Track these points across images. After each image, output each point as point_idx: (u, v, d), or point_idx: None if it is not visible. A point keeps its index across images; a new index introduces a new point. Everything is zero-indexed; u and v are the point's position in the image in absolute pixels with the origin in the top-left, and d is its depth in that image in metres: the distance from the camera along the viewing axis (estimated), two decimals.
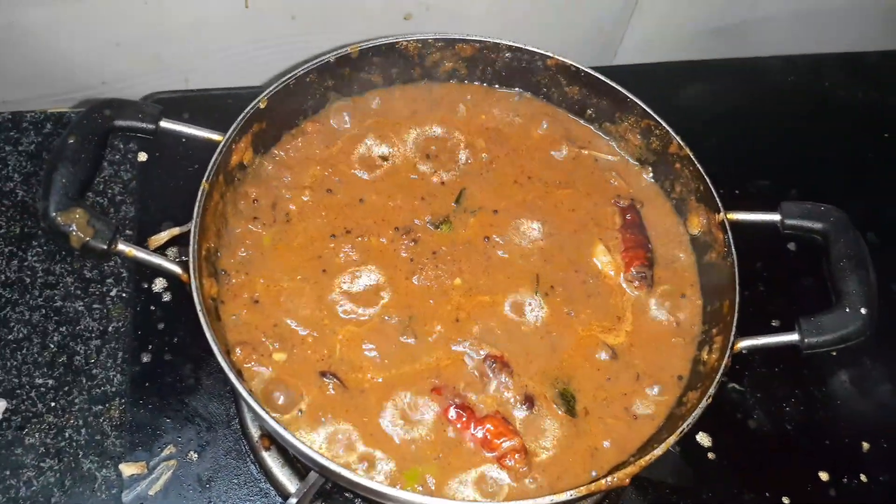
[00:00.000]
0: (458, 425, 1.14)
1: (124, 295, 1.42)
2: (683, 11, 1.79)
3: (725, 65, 1.88)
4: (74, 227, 1.13)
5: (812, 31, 1.89)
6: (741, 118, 1.78)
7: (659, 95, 1.38)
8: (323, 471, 1.06)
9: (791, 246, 1.57)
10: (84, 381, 1.34)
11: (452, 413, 1.15)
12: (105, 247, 1.14)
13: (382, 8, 1.61)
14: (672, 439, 1.06)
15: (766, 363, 1.45)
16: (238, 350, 1.15)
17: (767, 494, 1.34)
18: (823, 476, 1.37)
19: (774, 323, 1.46)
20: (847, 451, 1.40)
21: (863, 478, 1.37)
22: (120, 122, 1.21)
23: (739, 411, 1.41)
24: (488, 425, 1.14)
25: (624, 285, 1.28)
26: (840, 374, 1.47)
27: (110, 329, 1.39)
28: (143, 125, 1.22)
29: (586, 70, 1.38)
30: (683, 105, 1.36)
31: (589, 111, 1.43)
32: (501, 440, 1.13)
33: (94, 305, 1.41)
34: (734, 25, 1.83)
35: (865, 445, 1.40)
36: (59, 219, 1.13)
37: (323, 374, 1.16)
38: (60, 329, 1.38)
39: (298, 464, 1.27)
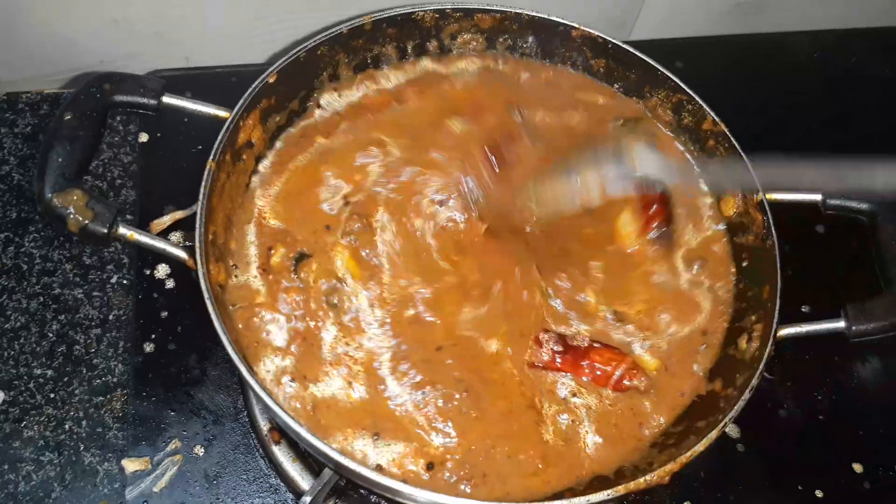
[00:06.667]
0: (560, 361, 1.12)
1: (125, 282, 1.38)
2: None
3: (746, 40, 1.83)
4: (72, 209, 1.08)
5: (836, 4, 1.84)
6: (764, 96, 1.74)
7: (677, 72, 1.34)
8: (339, 468, 1.01)
9: (820, 228, 1.52)
10: (84, 371, 1.31)
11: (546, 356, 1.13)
12: (105, 231, 1.09)
13: None
14: (713, 434, 1.02)
15: (797, 350, 1.40)
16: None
17: (800, 487, 1.30)
18: (857, 468, 1.33)
19: (804, 308, 1.41)
20: (882, 442, 1.36)
21: None
22: (120, 98, 1.16)
23: (769, 401, 1.36)
24: (595, 357, 1.12)
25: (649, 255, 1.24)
26: (873, 361, 1.43)
27: (111, 317, 1.35)
28: (145, 100, 1.17)
29: (614, 42, 1.34)
30: (702, 82, 1.32)
31: (616, 85, 1.39)
32: (613, 365, 1.11)
33: (94, 293, 1.37)
34: None
35: None
36: (55, 201, 1.07)
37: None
38: (59, 317, 1.35)
39: (310, 458, 1.23)
